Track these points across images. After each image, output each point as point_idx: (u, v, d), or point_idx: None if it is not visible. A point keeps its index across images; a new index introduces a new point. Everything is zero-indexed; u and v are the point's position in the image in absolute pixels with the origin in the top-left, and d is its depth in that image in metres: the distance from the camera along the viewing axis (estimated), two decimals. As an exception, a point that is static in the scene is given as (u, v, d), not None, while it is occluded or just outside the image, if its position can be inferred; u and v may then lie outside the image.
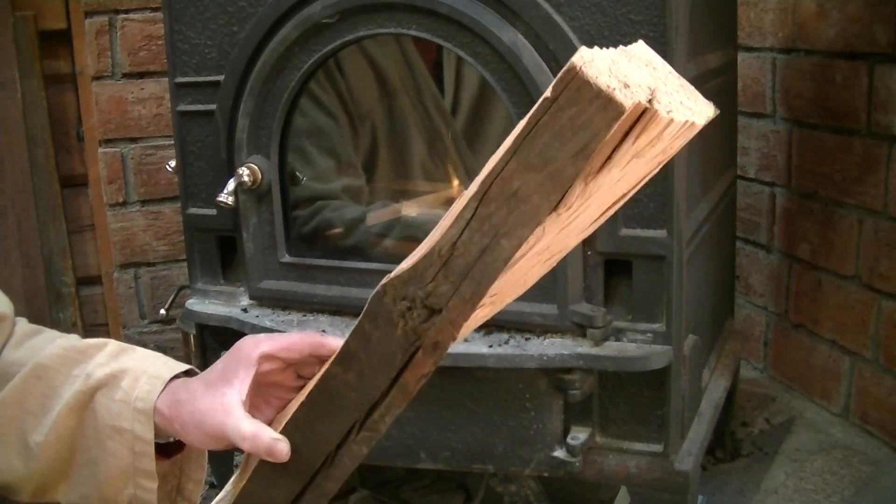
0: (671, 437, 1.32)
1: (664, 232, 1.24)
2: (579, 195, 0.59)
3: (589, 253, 1.27)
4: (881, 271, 1.72)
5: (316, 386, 0.75)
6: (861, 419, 1.80)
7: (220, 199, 1.35)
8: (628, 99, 0.54)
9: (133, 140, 2.08)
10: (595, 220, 0.68)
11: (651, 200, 1.23)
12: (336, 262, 1.43)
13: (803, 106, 1.90)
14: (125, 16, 2.03)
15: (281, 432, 0.77)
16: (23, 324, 0.94)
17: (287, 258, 1.43)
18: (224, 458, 1.56)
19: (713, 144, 1.53)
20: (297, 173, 1.55)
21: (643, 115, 0.56)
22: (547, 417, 1.32)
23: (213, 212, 1.44)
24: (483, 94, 1.78)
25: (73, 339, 0.93)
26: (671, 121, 0.57)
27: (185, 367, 0.88)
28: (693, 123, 0.59)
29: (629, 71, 0.57)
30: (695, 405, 1.44)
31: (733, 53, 1.75)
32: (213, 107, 1.40)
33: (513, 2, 1.22)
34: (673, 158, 0.73)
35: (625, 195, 0.67)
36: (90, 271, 2.14)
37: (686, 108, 0.60)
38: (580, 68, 0.54)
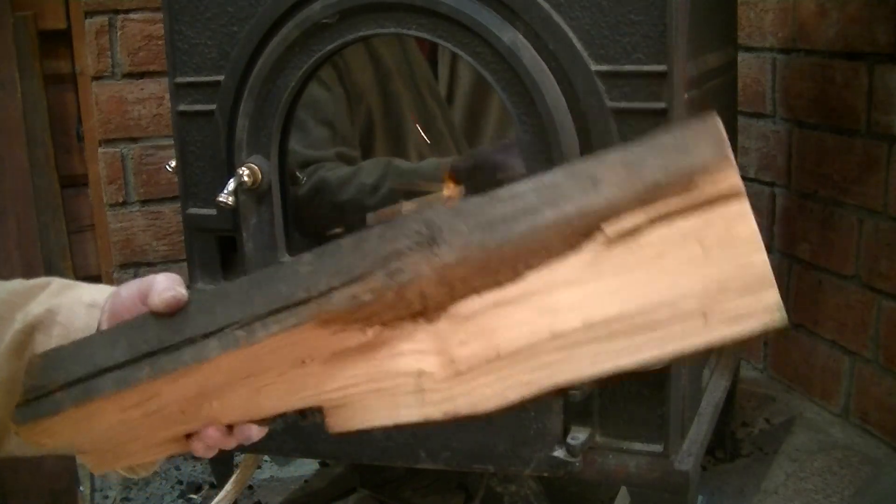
0: (671, 437, 1.31)
1: (664, 232, 1.23)
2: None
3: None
4: (881, 271, 1.72)
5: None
6: (861, 419, 1.80)
7: (220, 199, 1.35)
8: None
9: (133, 140, 2.08)
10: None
11: (651, 200, 1.22)
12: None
13: (803, 106, 1.90)
14: (125, 16, 2.03)
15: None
16: None
17: (287, 258, 1.43)
18: (224, 458, 1.56)
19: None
20: (298, 173, 1.55)
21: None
22: (547, 417, 1.31)
23: (213, 212, 1.43)
24: (478, 83, 1.79)
25: (17, 283, 0.87)
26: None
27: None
28: None
29: None
30: (695, 405, 1.44)
31: (733, 53, 1.75)
32: (213, 107, 1.40)
33: (513, 2, 1.22)
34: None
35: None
36: (90, 271, 2.14)
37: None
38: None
